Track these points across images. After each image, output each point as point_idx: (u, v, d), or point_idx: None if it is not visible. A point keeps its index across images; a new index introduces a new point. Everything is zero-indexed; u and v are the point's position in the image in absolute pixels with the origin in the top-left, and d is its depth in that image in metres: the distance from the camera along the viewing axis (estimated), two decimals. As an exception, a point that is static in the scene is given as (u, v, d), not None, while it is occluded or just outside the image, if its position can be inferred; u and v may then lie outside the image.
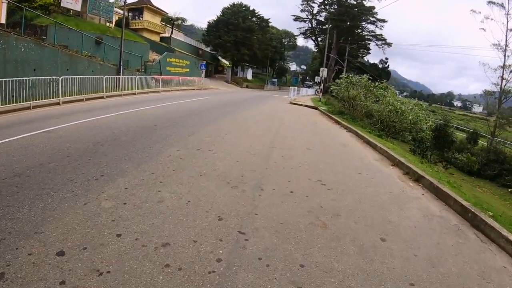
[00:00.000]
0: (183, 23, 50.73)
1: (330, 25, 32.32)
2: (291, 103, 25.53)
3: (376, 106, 17.41)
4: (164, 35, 49.93)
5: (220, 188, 5.17)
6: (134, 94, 23.06)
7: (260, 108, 19.41)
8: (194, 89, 33.57)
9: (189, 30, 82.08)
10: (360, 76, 19.01)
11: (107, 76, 19.91)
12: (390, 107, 15.40)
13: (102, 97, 18.36)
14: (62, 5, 27.44)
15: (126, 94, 21.53)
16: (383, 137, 14.39)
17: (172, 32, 46.90)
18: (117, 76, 23.21)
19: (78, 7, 39.12)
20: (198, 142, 8.37)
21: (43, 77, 14.91)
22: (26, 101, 13.36)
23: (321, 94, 29.10)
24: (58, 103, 14.74)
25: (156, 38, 48.40)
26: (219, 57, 60.49)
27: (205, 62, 46.92)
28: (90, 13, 33.87)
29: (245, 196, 4.93)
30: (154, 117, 12.12)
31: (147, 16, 47.52)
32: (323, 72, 24.74)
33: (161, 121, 11.36)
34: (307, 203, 4.92)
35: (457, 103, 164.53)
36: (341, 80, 20.15)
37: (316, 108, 23.57)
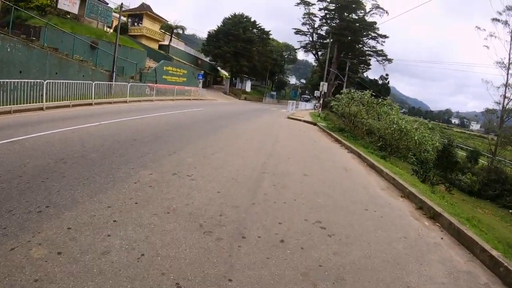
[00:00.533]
0: (183, 32, 49.81)
1: (331, 39, 31.44)
2: (289, 117, 24.46)
3: (378, 124, 16.35)
4: (163, 43, 49.12)
5: (189, 233, 3.97)
6: (125, 102, 22.02)
7: (255, 123, 18.30)
8: (189, 99, 32.53)
9: (191, 40, 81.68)
10: (362, 92, 17.97)
11: (96, 82, 18.81)
12: (394, 126, 14.30)
13: (90, 104, 17.28)
14: (58, 6, 26.44)
15: (116, 102, 20.43)
16: (387, 158, 13.26)
17: (171, 40, 46.08)
18: (108, 82, 22.08)
19: (75, 9, 38.05)
20: (177, 164, 7.18)
21: (27, 80, 13.95)
22: (7, 104, 12.39)
23: (320, 109, 28.11)
24: (41, 108, 13.78)
25: (154, 46, 47.55)
26: (219, 68, 59.72)
27: (203, 72, 45.98)
28: (87, 17, 32.90)
29: (220, 248, 3.72)
30: (137, 130, 10.95)
31: (146, 23, 46.74)
32: (323, 86, 23.75)
33: (143, 134, 10.19)
34: (302, 259, 3.72)
35: (455, 121, 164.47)
36: (342, 95, 19.13)
37: (315, 124, 22.49)
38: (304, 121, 23.53)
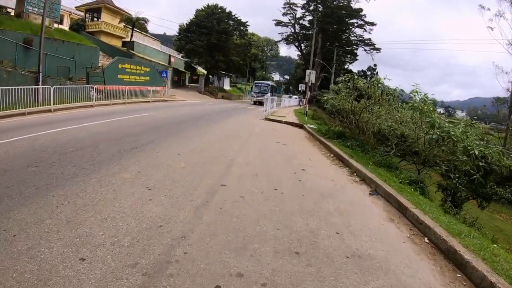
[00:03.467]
0: (146, 24, 42.86)
1: (316, 24, 25.21)
2: (266, 118, 18.01)
3: (404, 128, 10.23)
4: (127, 39, 42.17)
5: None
6: (50, 111, 15.59)
7: (214, 131, 11.83)
8: (148, 101, 25.86)
9: (171, 41, 74.43)
10: (371, 78, 11.58)
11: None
12: (437, 133, 8.14)
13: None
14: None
15: (36, 112, 14.30)
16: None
17: (132, 35, 39.13)
18: (19, 87, 15.31)
19: (11, 3, 31.05)
20: None
21: None
22: None
23: (306, 104, 21.83)
24: None
25: (116, 43, 40.63)
26: (196, 66, 52.78)
27: (170, 69, 39.31)
28: (27, 12, 26.04)
29: None
30: None
31: (105, 17, 39.74)
32: (310, 75, 17.42)
33: None
34: None
35: (440, 110, 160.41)
36: (339, 85, 12.75)
37: (301, 127, 16.14)
38: (287, 122, 17.14)
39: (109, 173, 5.58)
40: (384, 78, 11.22)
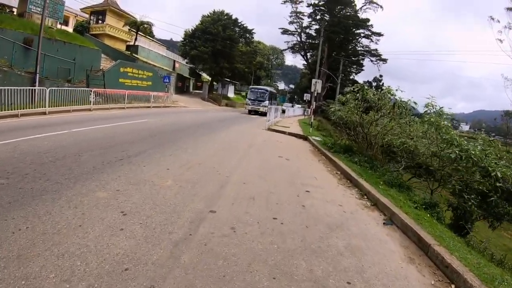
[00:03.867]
0: (151, 28, 42.39)
1: (322, 38, 24.53)
2: (269, 129, 17.21)
3: (417, 144, 9.42)
4: (131, 43, 41.69)
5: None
6: (44, 113, 15.05)
7: (213, 141, 11.06)
8: (149, 107, 25.19)
9: (175, 45, 74.19)
10: (382, 89, 10.77)
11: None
12: (456, 152, 7.34)
13: None
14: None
15: (29, 114, 13.76)
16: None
17: (136, 38, 38.64)
18: (10, 87, 14.65)
19: (14, 2, 30.65)
20: None
21: None
22: None
23: (312, 114, 21.02)
24: None
25: (120, 46, 40.20)
26: (201, 72, 52.22)
27: (174, 75, 38.76)
28: (30, 11, 25.69)
29: None
30: None
31: (109, 20, 39.36)
32: (316, 84, 16.61)
33: None
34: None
35: (445, 122, 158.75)
36: (347, 95, 11.97)
37: (305, 138, 15.33)
38: (291, 133, 16.35)
39: (83, 191, 4.80)
40: (397, 90, 10.40)
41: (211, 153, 8.79)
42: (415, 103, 10.84)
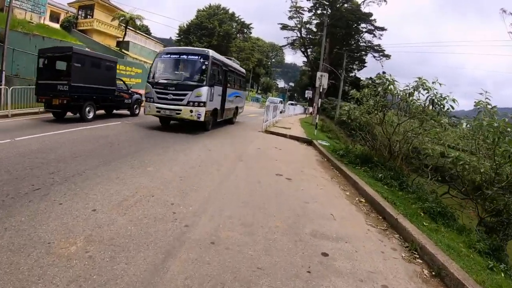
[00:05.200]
0: (141, 23, 39.50)
1: (326, 26, 21.86)
2: (267, 131, 14.47)
3: (479, 162, 6.72)
4: (123, 39, 38.90)
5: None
6: (7, 116, 12.56)
7: (187, 153, 8.22)
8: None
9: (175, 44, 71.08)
10: (409, 89, 7.95)
11: None
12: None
13: None
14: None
15: None
16: None
17: (125, 33, 35.81)
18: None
19: (-8, -3, 27.97)
20: None
21: None
22: None
23: (316, 114, 18.33)
24: None
25: (110, 43, 37.46)
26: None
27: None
28: (8, 5, 23.07)
29: None
30: None
31: (98, 14, 36.64)
32: (322, 78, 13.79)
33: None
34: None
35: (445, 120, 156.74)
36: (365, 90, 9.25)
37: (310, 143, 12.62)
38: (292, 137, 13.62)
39: None
40: (434, 82, 7.67)
41: (180, 173, 6.09)
42: (454, 100, 8.12)
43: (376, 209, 5.52)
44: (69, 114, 12.74)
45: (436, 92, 7.74)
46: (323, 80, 13.77)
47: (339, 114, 28.38)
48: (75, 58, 11.56)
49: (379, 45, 49.41)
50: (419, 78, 7.89)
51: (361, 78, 44.46)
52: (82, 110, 12.02)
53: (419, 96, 8.20)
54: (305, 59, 58.79)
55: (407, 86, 8.00)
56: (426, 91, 7.93)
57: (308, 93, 35.19)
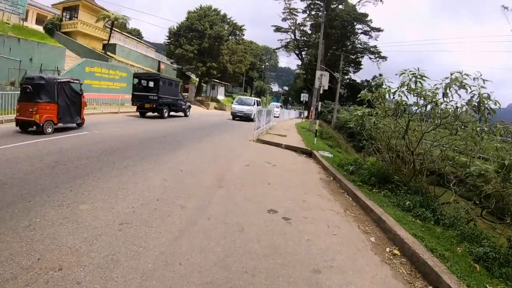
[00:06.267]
0: (127, 24, 37.42)
1: (321, 27, 19.95)
2: (259, 140, 12.45)
3: None
4: (110, 41, 36.74)
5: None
6: None
7: (145, 179, 6.14)
8: (116, 112, 20.23)
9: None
10: (450, 78, 5.97)
11: None
12: None
13: None
14: None
15: None
16: None
17: (110, 35, 33.74)
18: None
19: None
20: None
21: None
22: None
23: (316, 120, 16.28)
24: None
25: (96, 45, 35.31)
26: (191, 74, 47.16)
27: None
28: None
29: None
30: None
31: (83, 16, 34.52)
32: (322, 78, 11.70)
33: None
34: None
35: (438, 121, 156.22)
36: (381, 90, 7.21)
37: (310, 154, 10.63)
38: (288, 147, 11.59)
39: None
40: (476, 78, 5.69)
41: (124, 215, 4.04)
42: (496, 102, 6.17)
43: (421, 270, 3.53)
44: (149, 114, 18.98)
45: (479, 92, 5.77)
46: (323, 80, 11.77)
47: (343, 120, 25.63)
48: (160, 80, 18.71)
49: (375, 47, 47.72)
50: (457, 75, 5.91)
51: (357, 81, 42.40)
52: (162, 111, 18.80)
53: (452, 97, 6.25)
54: (299, 62, 57.00)
55: (436, 83, 6.02)
56: (463, 89, 5.97)
57: (304, 97, 33.24)
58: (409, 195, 6.27)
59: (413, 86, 6.47)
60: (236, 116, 24.42)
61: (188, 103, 23.39)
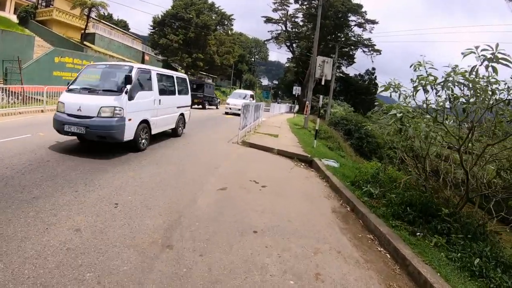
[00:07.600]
0: (106, 12, 34.46)
1: (321, 4, 17.61)
2: (244, 142, 10.01)
3: None
4: (88, 31, 33.76)
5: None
6: None
7: (52, 234, 3.68)
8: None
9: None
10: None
11: None
12: None
13: None
14: None
15: None
16: None
17: (87, 23, 30.80)
18: None
19: None
20: None
21: None
22: None
23: (308, 114, 13.91)
24: None
25: (74, 35, 32.30)
26: (177, 66, 44.20)
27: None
28: None
29: None
30: None
31: (59, 3, 31.39)
32: (324, 65, 9.14)
33: None
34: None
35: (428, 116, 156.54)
36: (428, 78, 4.73)
37: (310, 163, 8.23)
38: (281, 152, 9.17)
39: None
40: None
41: None
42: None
43: None
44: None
45: None
46: (325, 68, 9.29)
47: (339, 115, 22.47)
48: (204, 84, 26.87)
49: (369, 39, 45.49)
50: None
51: (350, 75, 39.84)
52: (205, 104, 25.58)
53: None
54: (289, 56, 54.42)
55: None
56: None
57: (296, 90, 30.76)
58: (468, 240, 3.99)
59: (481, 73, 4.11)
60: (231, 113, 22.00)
61: (218, 99, 30.49)
